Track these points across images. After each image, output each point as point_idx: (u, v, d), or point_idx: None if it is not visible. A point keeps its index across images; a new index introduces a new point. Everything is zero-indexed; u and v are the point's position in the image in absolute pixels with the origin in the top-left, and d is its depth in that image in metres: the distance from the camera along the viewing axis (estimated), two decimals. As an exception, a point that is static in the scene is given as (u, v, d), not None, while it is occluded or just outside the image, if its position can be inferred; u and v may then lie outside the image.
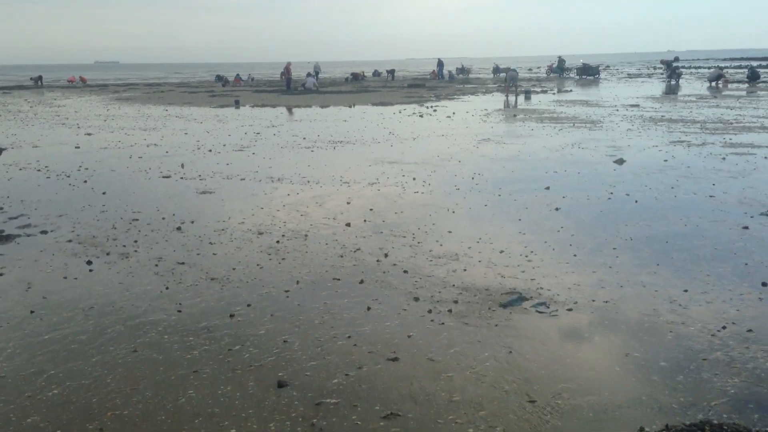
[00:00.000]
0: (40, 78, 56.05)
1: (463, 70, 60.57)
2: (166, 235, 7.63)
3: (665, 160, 12.00)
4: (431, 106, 26.31)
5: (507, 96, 31.95)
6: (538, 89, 37.26)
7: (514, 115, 21.81)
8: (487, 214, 8.37)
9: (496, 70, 60.80)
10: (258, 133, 17.95)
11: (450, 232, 7.52)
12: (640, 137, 15.46)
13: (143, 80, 69.20)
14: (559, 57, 57.53)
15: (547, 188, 9.79)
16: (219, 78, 56.88)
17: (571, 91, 36.00)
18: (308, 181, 10.85)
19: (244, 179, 11.20)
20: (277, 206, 9.06)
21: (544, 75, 57.74)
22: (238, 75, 55.57)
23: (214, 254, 6.86)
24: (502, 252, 6.71)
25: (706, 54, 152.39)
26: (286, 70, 41.80)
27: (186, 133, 18.43)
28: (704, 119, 18.95)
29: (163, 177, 11.58)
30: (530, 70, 73.95)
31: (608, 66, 69.57)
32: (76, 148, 15.69)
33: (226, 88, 46.80)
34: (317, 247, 7.06)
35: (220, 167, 12.47)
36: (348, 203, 9.16)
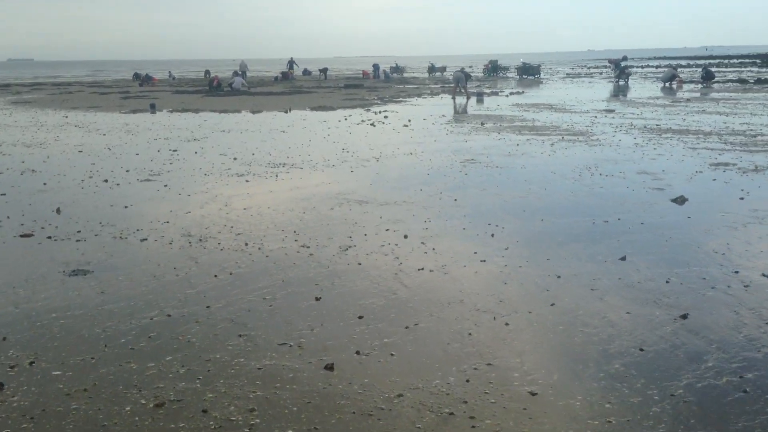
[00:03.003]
0: (-74, 78, 49.55)
1: (397, 69, 59.36)
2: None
3: (741, 198, 8.77)
4: (380, 111, 22.75)
5: (454, 98, 29.09)
6: (488, 91, 34.38)
7: (482, 124, 18.48)
8: (565, 331, 4.79)
9: (432, 69, 59.58)
10: (175, 151, 13.99)
11: (535, 395, 3.93)
12: (663, 156, 12.32)
13: (54, 79, 62.86)
14: (490, 60, 57.58)
15: (623, 258, 6.32)
16: (137, 76, 51.71)
17: (522, 92, 33.25)
18: (246, 244, 7.09)
19: (146, 239, 7.34)
20: (196, 310, 5.26)
21: (482, 75, 55.62)
22: (147, 74, 50.22)
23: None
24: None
25: (623, 54, 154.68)
26: (214, 79, 39.80)
27: (80, 151, 14.26)
28: (713, 130, 16.03)
29: (21, 236, 7.56)
30: (463, 69, 71.58)
31: (541, 64, 67.66)
32: None
33: (144, 88, 41.87)
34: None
35: (113, 213, 8.56)
36: (318, 299, 5.47)
